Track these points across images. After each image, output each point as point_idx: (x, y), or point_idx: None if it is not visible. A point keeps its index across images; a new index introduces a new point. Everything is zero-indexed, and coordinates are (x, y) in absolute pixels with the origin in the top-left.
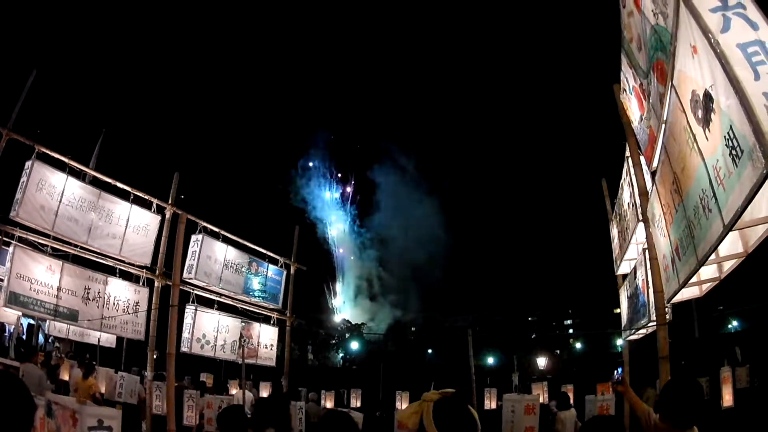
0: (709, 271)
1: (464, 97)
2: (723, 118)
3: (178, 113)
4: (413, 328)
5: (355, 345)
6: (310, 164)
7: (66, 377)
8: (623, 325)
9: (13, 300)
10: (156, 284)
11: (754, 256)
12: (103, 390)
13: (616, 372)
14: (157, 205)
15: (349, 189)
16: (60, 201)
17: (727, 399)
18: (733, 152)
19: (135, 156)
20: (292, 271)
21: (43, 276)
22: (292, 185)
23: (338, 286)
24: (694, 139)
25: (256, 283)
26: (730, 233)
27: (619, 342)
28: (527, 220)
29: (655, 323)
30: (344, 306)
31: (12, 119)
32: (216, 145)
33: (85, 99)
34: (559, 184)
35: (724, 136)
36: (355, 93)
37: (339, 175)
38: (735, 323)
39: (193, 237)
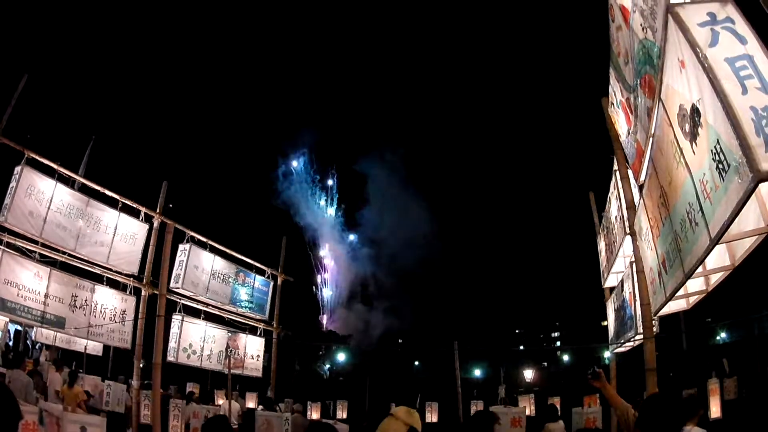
0: (696, 284)
1: (452, 109)
2: (710, 132)
3: (167, 122)
4: (400, 340)
5: (342, 356)
6: (296, 168)
7: (55, 386)
8: (610, 337)
9: (0, 306)
10: (143, 293)
11: (742, 268)
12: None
13: (593, 368)
14: (145, 213)
15: (335, 190)
16: (48, 207)
17: (715, 411)
18: (720, 166)
19: (124, 164)
20: (279, 282)
21: (31, 282)
22: (278, 190)
23: (328, 293)
24: (681, 153)
25: (243, 294)
26: (717, 246)
27: (607, 354)
28: (515, 232)
29: (642, 336)
30: (335, 312)
31: (2, 124)
32: (204, 154)
33: (75, 106)
34: (547, 196)
35: (711, 150)
36: (340, 96)
37: (325, 177)
38: (723, 335)
39: (181, 246)
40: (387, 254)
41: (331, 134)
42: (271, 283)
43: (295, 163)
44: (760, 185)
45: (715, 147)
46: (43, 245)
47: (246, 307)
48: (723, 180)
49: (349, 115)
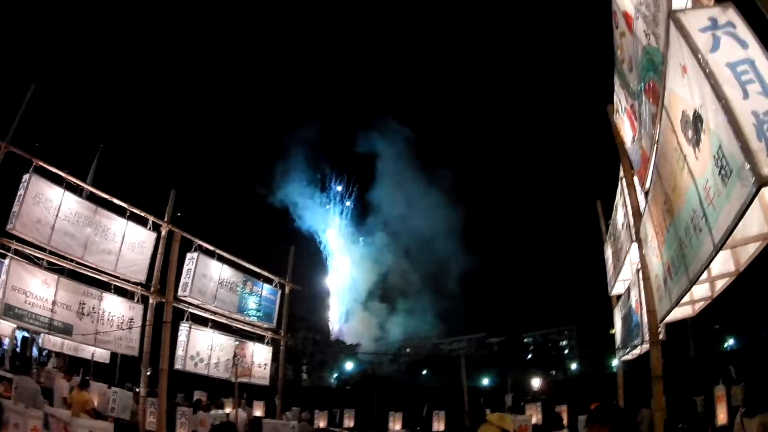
0: (701, 291)
1: (460, 121)
2: (712, 137)
3: (175, 131)
4: (408, 350)
5: (349, 366)
6: (303, 172)
7: (62, 392)
8: (617, 345)
9: (8, 312)
10: (151, 301)
11: (749, 274)
12: (95, 405)
13: None
14: (153, 222)
15: (345, 189)
16: (56, 215)
17: (722, 417)
18: (723, 171)
19: (132, 172)
20: (286, 290)
21: (39, 289)
22: (285, 195)
23: (341, 294)
24: (685, 159)
25: (250, 303)
26: (722, 252)
27: (615, 362)
28: (523, 241)
29: (648, 343)
30: (352, 312)
31: (10, 132)
32: (212, 163)
33: (83, 114)
34: (556, 205)
35: (714, 156)
36: (341, 97)
37: (333, 178)
38: (731, 341)
39: (189, 255)
40: (394, 262)
41: (336, 132)
42: (279, 292)
43: (302, 167)
44: (763, 190)
45: (717, 152)
46: (51, 253)
47: (254, 316)
48: (726, 185)
49: (353, 111)
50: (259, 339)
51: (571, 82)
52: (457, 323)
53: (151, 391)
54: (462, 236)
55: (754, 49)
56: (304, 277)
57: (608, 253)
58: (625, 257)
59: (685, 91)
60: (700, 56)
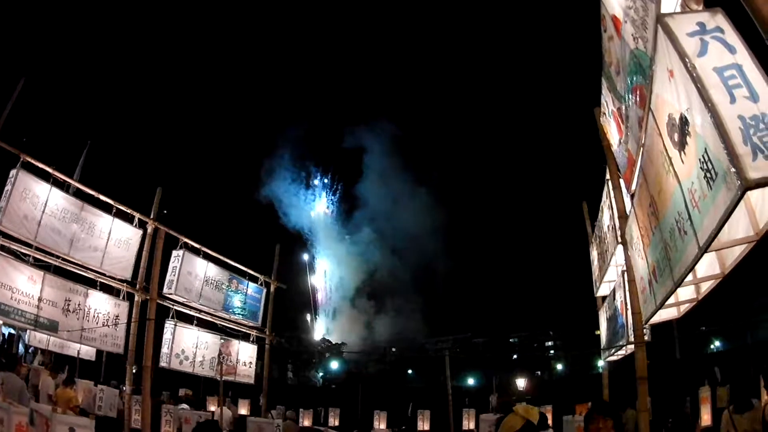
0: (686, 293)
1: (447, 119)
2: (698, 141)
3: (163, 128)
4: (393, 349)
5: (335, 365)
6: (289, 167)
7: (47, 390)
8: (602, 346)
9: None
10: (136, 298)
11: (736, 277)
12: (80, 402)
13: None
14: (139, 219)
15: (330, 189)
16: (43, 211)
17: (705, 419)
18: (708, 175)
19: (119, 169)
20: (272, 289)
21: (25, 285)
22: (272, 193)
23: (327, 292)
24: (671, 162)
25: (236, 301)
26: (707, 255)
27: (600, 363)
28: (508, 241)
29: (633, 344)
30: (337, 310)
31: None
32: (198, 160)
33: (72, 110)
34: (541, 205)
35: (699, 159)
36: (330, 97)
37: (318, 175)
38: (717, 343)
39: (174, 252)
40: (380, 261)
41: (321, 129)
42: (264, 291)
43: (287, 164)
44: (748, 194)
45: (703, 156)
46: (38, 249)
47: (239, 314)
48: (711, 189)
49: (340, 108)
50: (245, 337)
51: (558, 84)
52: (442, 323)
53: (137, 388)
54: (448, 235)
55: (742, 54)
56: (290, 275)
57: (594, 254)
58: (610, 259)
59: (671, 95)
60: (687, 60)
